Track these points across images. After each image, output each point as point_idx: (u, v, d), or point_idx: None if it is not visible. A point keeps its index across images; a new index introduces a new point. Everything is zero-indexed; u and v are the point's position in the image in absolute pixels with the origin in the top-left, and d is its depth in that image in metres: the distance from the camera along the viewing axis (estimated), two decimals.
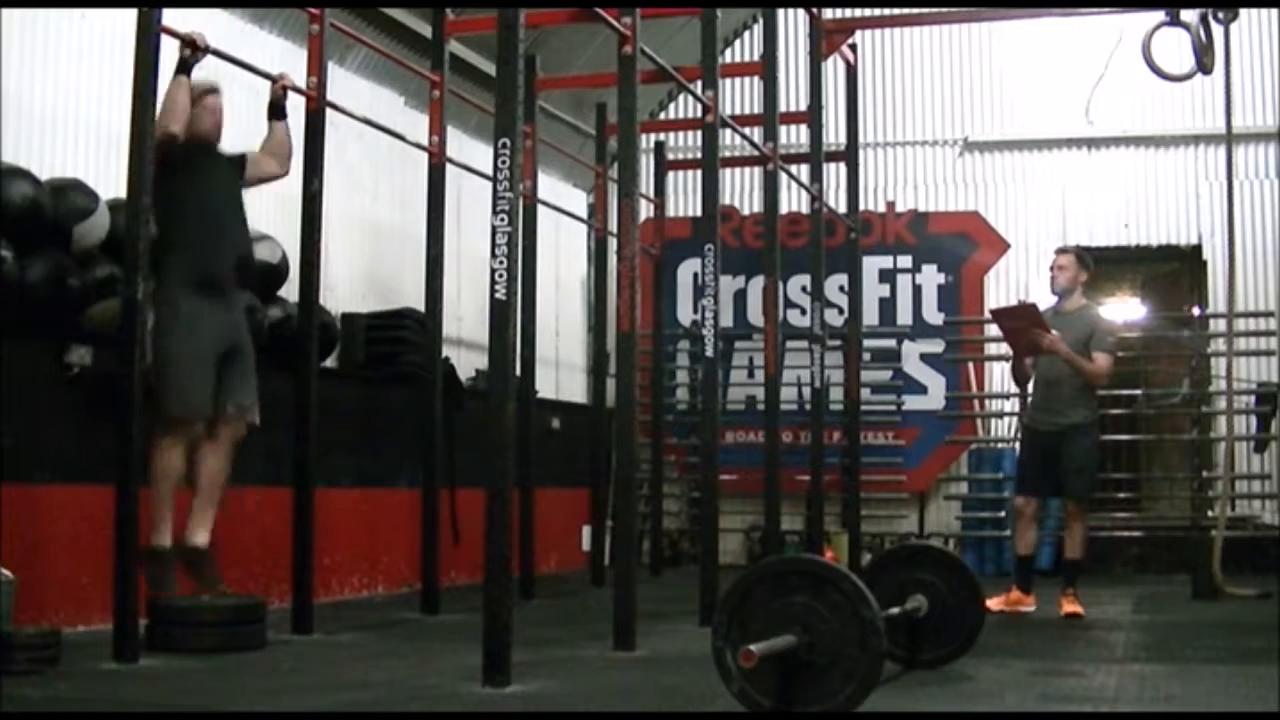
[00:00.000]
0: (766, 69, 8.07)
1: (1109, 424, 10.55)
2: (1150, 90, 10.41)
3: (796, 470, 8.98)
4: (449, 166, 7.62)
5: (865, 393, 10.63)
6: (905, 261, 11.58)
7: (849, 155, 10.06)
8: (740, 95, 11.38)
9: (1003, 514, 10.76)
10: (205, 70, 7.24)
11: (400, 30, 8.92)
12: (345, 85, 8.40)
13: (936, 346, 11.41)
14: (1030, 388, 7.76)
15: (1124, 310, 13.80)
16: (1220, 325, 9.21)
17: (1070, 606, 7.36)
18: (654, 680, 4.93)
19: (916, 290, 11.57)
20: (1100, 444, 7.92)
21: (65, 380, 6.04)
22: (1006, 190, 11.78)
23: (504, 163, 4.74)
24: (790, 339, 9.70)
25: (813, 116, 9.21)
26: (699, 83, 7.15)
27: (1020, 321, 7.53)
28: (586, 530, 10.11)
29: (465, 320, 9.67)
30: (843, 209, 10.04)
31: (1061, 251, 7.85)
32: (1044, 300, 8.08)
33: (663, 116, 12.23)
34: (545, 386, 10.28)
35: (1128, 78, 10.63)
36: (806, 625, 3.83)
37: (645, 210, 10.69)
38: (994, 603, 7.47)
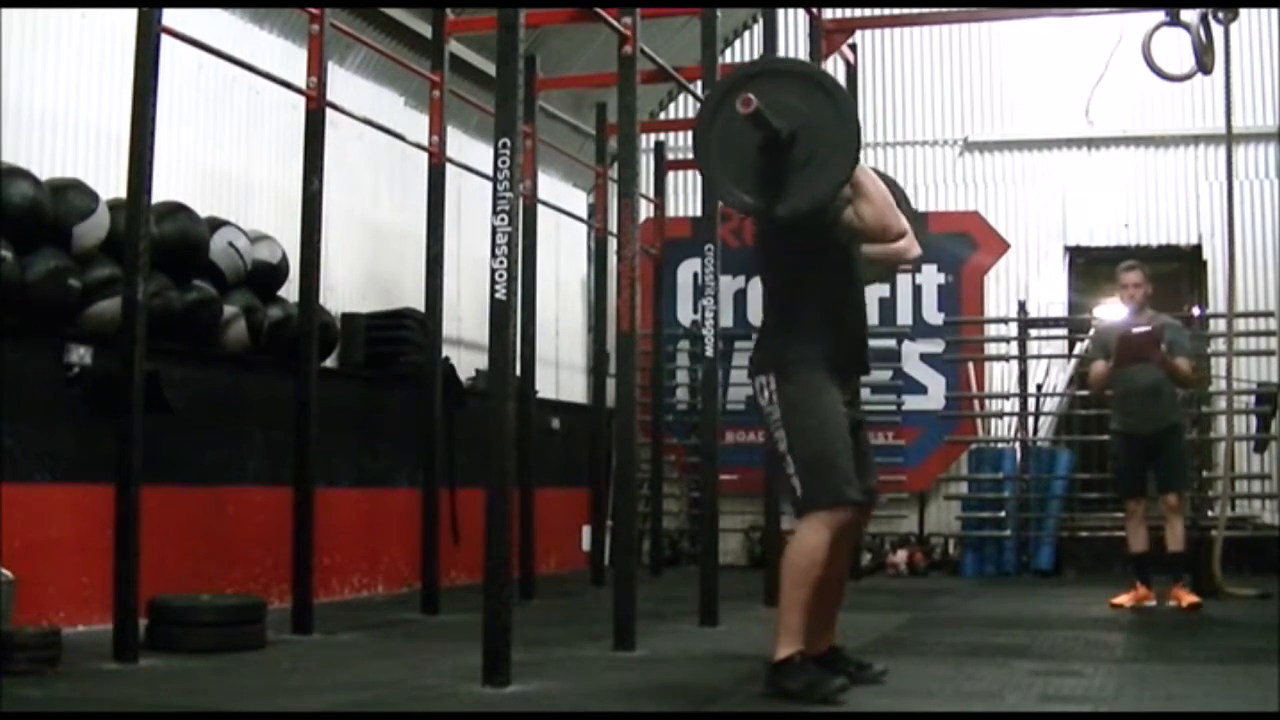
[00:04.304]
0: None
1: (1108, 424, 10.54)
2: (1150, 90, 10.40)
3: None
4: (449, 166, 7.62)
5: (865, 393, 10.60)
6: None
7: None
8: None
9: (1002, 514, 10.77)
10: (206, 71, 7.29)
11: (400, 30, 8.92)
12: (345, 85, 8.40)
13: (936, 346, 11.41)
14: (1115, 397, 8.10)
15: (1123, 310, 13.77)
16: (1220, 325, 9.21)
17: (1189, 598, 7.63)
18: (654, 680, 4.93)
19: (916, 290, 11.56)
20: None
21: (65, 380, 6.04)
22: (1006, 190, 11.78)
23: (504, 163, 4.74)
24: None
25: None
26: (699, 83, 7.15)
27: (1143, 340, 7.70)
28: (586, 530, 10.11)
29: (465, 320, 9.67)
30: None
31: (1131, 269, 8.00)
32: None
33: (663, 116, 12.22)
34: (545, 386, 10.28)
35: (1128, 78, 10.62)
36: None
37: (645, 210, 10.69)
38: (1124, 599, 7.74)
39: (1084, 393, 10.90)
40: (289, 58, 7.62)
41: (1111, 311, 11.71)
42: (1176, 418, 8.02)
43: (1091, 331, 11.14)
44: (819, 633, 4.54)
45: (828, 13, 9.79)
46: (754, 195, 4.44)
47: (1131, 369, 7.75)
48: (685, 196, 12.03)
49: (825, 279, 4.56)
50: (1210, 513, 9.86)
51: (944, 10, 10.64)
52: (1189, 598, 7.64)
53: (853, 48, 10.00)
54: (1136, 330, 7.72)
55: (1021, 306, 11.21)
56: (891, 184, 4.86)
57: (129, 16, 5.52)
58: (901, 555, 10.84)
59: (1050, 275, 11.64)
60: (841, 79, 10.14)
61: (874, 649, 5.57)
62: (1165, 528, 7.88)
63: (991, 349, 11.54)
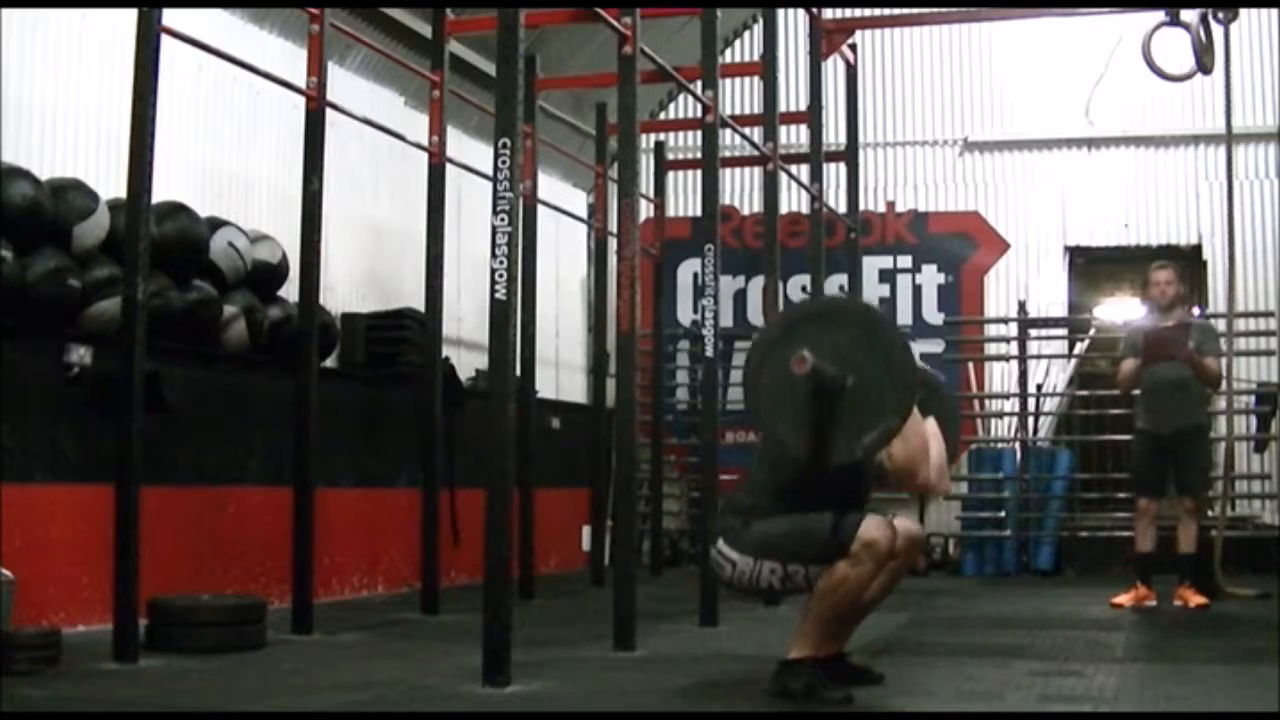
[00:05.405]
0: (766, 69, 8.07)
1: (1108, 424, 10.57)
2: (1150, 90, 10.40)
3: None
4: (449, 166, 7.62)
5: None
6: (905, 261, 11.59)
7: (849, 155, 10.06)
8: (740, 95, 11.37)
9: (1002, 514, 10.76)
10: (206, 71, 7.29)
11: (400, 30, 8.92)
12: (345, 85, 8.40)
13: (936, 346, 11.40)
14: (1140, 395, 8.00)
15: (1124, 310, 13.79)
16: (1220, 325, 9.22)
17: (1196, 598, 7.64)
18: (654, 680, 4.92)
19: (916, 290, 11.56)
20: None
21: (65, 380, 6.04)
22: (1006, 190, 11.78)
23: (504, 163, 4.74)
24: None
25: (813, 116, 9.21)
26: (699, 83, 7.15)
27: (1169, 337, 7.73)
28: (586, 530, 10.11)
29: (465, 320, 9.67)
30: (843, 209, 10.04)
31: (1163, 267, 8.01)
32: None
33: (663, 116, 12.22)
34: (545, 386, 10.28)
35: (1128, 78, 10.63)
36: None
37: (645, 210, 10.69)
38: (1124, 599, 7.75)
39: (1084, 393, 10.92)
40: (289, 58, 7.62)
41: (1114, 311, 11.77)
42: (1201, 418, 7.99)
43: (1092, 331, 11.17)
44: (832, 639, 4.55)
45: (828, 13, 9.80)
46: (807, 440, 4.31)
47: (1157, 366, 7.76)
48: (685, 196, 12.03)
49: (827, 495, 4.44)
50: (1210, 513, 9.86)
51: (944, 10, 10.65)
52: (1196, 598, 7.64)
53: (853, 48, 10.00)
54: (1163, 326, 7.74)
55: (1021, 306, 11.21)
56: (938, 392, 4.83)
57: (129, 16, 5.51)
58: None
59: (1050, 275, 11.64)
60: (841, 79, 10.17)
61: (874, 649, 5.57)
62: (1179, 529, 7.86)
63: (991, 349, 11.54)
